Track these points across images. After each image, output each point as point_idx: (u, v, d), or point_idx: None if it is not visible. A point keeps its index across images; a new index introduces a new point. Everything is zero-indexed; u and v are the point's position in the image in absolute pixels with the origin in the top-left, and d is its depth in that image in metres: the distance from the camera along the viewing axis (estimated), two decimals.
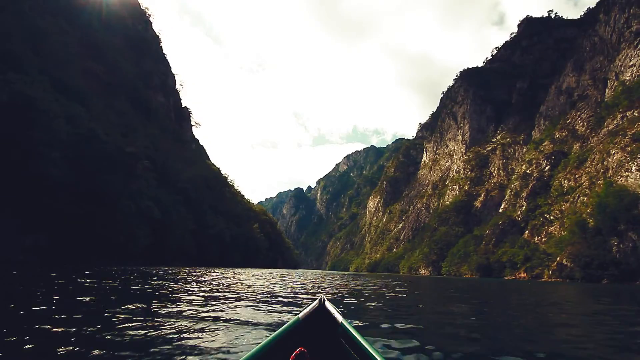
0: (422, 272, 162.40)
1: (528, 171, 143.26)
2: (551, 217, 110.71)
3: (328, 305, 2.79)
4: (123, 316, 5.09)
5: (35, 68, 23.63)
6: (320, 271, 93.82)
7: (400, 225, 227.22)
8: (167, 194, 40.88)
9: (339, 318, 2.47)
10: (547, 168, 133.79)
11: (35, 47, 25.51)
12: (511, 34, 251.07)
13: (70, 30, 40.90)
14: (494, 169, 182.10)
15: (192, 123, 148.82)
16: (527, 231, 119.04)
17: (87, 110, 27.34)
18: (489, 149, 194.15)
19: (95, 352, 3.21)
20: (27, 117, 18.04)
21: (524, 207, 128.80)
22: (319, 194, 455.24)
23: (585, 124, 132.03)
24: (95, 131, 25.17)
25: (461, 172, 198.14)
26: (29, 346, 3.30)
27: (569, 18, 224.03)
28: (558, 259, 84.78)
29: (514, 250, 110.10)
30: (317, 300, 2.87)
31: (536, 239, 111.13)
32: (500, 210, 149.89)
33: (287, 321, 2.39)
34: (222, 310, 6.13)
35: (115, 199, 26.01)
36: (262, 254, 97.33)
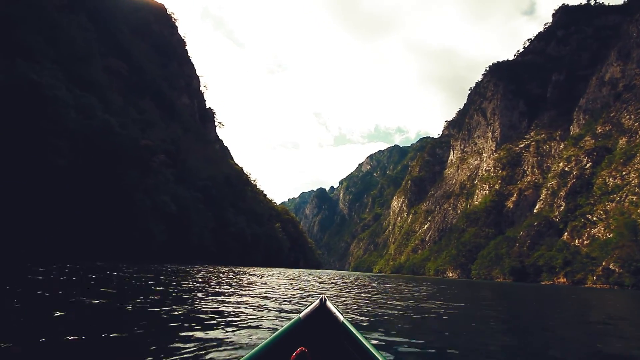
0: (450, 275, 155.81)
1: (567, 169, 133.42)
2: (594, 218, 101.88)
3: (329, 304, 2.72)
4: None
5: (48, 58, 23.39)
6: (344, 272, 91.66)
7: (426, 226, 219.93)
8: (185, 190, 40.25)
9: (340, 317, 2.47)
10: (588, 165, 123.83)
11: (50, 39, 25.50)
12: (545, 25, 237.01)
13: (93, 28, 41.58)
14: (528, 167, 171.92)
15: (216, 124, 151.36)
16: (566, 233, 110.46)
17: (104, 103, 27.04)
18: (521, 146, 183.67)
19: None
20: (31, 103, 17.55)
21: (563, 207, 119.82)
22: (341, 194, 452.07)
23: (632, 116, 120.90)
24: (109, 123, 24.53)
25: (491, 170, 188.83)
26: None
27: (610, 4, 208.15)
28: (604, 263, 77.42)
29: (551, 254, 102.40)
30: (318, 300, 2.77)
31: (577, 241, 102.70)
32: (534, 211, 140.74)
33: (288, 321, 2.40)
34: None
35: (129, 192, 25.30)
36: (284, 254, 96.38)
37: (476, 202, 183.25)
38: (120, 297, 6.78)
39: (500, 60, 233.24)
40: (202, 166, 57.84)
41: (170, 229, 32.01)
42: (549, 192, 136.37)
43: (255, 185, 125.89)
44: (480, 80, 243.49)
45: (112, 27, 66.42)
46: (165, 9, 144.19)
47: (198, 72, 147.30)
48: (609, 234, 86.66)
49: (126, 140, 25.05)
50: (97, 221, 22.66)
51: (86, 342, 3.44)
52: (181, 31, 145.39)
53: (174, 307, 5.89)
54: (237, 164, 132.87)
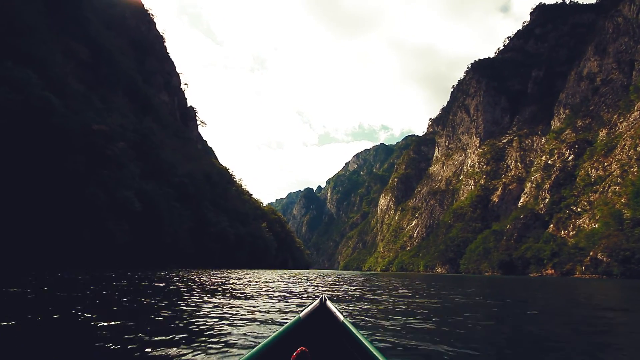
0: (439, 270, 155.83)
1: (550, 162, 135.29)
2: (579, 209, 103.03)
3: (329, 304, 2.74)
4: None
5: None
6: (333, 271, 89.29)
7: (414, 223, 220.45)
8: (156, 186, 36.24)
9: (340, 317, 2.48)
10: (570, 158, 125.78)
11: None
12: (523, 23, 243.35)
13: (50, 12, 37.19)
14: (511, 162, 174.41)
15: (198, 122, 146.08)
16: (551, 225, 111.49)
17: (48, 81, 22.90)
18: (504, 141, 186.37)
19: None
20: None
21: (548, 200, 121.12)
22: (329, 194, 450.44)
23: (611, 109, 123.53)
24: (49, 100, 20.54)
25: (476, 166, 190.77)
26: None
27: (585, 3, 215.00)
28: (591, 253, 77.64)
29: (538, 246, 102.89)
30: (318, 300, 2.78)
31: (563, 232, 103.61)
32: (519, 204, 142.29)
33: (288, 321, 2.41)
34: None
35: (77, 184, 21.49)
36: (271, 254, 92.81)
37: (462, 198, 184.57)
38: None
39: (482, 58, 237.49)
40: (179, 162, 53.79)
41: (136, 228, 28.21)
42: (533, 185, 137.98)
43: (241, 185, 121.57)
44: (462, 77, 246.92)
45: (79, 15, 61.46)
46: (142, 5, 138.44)
47: (178, 70, 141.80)
48: (595, 224, 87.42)
49: (71, 121, 21.04)
50: (25, 218, 18.50)
51: None
52: (159, 27, 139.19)
53: None
54: (221, 164, 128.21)
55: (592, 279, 62.13)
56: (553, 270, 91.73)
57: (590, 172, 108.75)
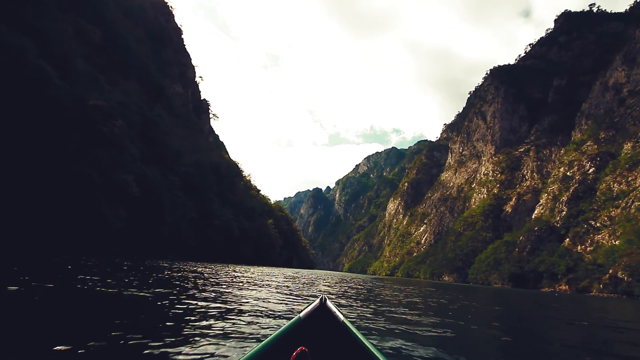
0: (446, 278, 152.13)
1: (568, 174, 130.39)
2: (598, 224, 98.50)
3: (329, 304, 2.75)
4: None
5: None
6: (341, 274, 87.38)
7: (422, 229, 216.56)
8: (159, 173, 35.11)
9: (340, 317, 2.49)
10: (591, 170, 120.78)
11: None
12: (547, 30, 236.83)
13: None
14: (527, 172, 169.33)
15: (210, 116, 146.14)
16: (567, 239, 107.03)
17: (50, 55, 21.65)
18: (521, 150, 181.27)
19: None
20: None
21: (564, 213, 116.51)
22: (337, 195, 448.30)
23: (637, 122, 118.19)
24: (44, 70, 19.12)
25: (490, 174, 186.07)
26: None
27: (614, 11, 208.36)
28: (611, 271, 73.74)
29: (553, 260, 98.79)
30: (318, 300, 2.80)
31: (580, 247, 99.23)
32: (534, 216, 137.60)
33: (289, 320, 2.41)
34: None
35: (69, 163, 20.23)
36: (275, 252, 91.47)
37: (474, 206, 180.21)
38: None
39: (502, 64, 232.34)
40: (187, 152, 52.89)
41: (134, 215, 26.95)
42: (549, 197, 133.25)
43: (249, 181, 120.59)
44: (480, 83, 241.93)
45: (97, 1, 61.23)
46: None
47: (193, 63, 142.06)
48: (615, 241, 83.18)
49: (65, 94, 19.59)
50: (15, 198, 17.19)
51: None
52: (177, 20, 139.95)
53: None
54: (232, 159, 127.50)
55: (611, 298, 58.67)
56: (567, 286, 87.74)
57: (612, 186, 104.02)
